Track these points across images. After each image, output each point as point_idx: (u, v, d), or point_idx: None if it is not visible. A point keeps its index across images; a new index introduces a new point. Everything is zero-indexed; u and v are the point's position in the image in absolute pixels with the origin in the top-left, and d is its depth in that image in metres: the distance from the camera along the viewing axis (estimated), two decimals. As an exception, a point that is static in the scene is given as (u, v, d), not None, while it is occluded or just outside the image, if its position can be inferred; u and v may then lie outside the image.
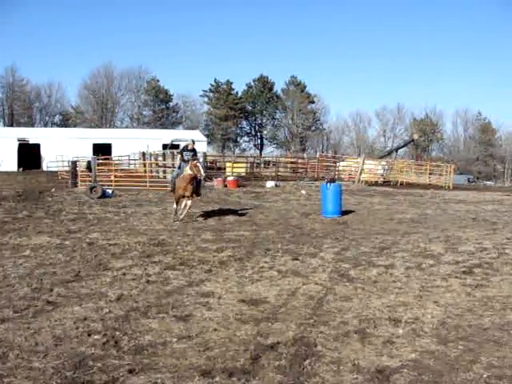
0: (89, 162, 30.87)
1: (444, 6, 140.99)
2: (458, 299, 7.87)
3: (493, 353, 5.73)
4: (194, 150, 17.23)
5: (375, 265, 10.14)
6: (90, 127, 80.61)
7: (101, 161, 36.26)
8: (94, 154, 41.39)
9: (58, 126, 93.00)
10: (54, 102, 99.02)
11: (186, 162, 16.54)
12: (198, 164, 16.26)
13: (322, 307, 7.33)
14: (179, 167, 16.99)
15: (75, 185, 29.45)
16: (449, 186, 39.42)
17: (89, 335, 6.03)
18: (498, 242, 13.01)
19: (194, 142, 17.81)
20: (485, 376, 5.15)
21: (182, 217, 16.34)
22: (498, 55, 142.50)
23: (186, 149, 17.38)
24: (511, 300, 7.83)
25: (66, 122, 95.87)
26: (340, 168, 43.68)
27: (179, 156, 17.44)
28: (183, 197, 16.47)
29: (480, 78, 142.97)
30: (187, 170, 16.13)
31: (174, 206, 16.72)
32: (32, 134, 60.62)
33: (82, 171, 32.05)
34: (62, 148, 53.01)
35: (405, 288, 8.46)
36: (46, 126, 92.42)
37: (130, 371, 5.10)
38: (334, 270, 9.68)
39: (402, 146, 68.55)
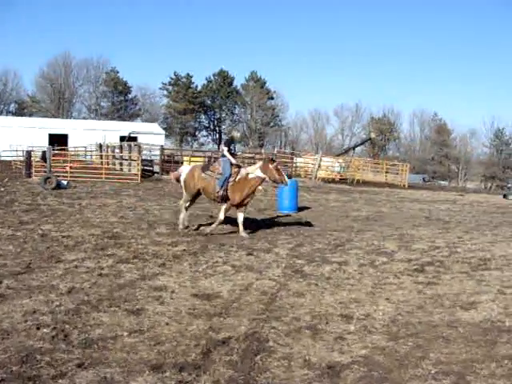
0: (44, 153, 30.33)
1: (402, 5, 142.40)
2: (409, 296, 7.97)
3: (441, 349, 5.82)
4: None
5: (329, 261, 10.20)
6: (47, 117, 79.02)
7: (56, 151, 35.68)
8: (49, 145, 40.70)
9: (13, 114, 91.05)
10: (10, 90, 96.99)
11: (233, 156, 13.50)
12: (280, 167, 13.63)
13: (274, 303, 7.34)
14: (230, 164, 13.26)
15: (29, 175, 28.91)
16: (404, 185, 39.91)
17: (37, 328, 5.91)
18: (450, 240, 13.24)
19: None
20: (433, 372, 5.22)
21: (244, 234, 12.85)
22: (455, 57, 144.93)
23: (233, 140, 14.32)
24: (461, 298, 7.97)
25: (21, 110, 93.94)
26: (297, 164, 43.84)
27: (225, 149, 13.50)
28: (241, 206, 13.29)
29: (437, 80, 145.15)
30: (256, 171, 13.17)
31: (221, 216, 13.14)
32: (-14, 123, 59.29)
33: (37, 161, 31.50)
34: (16, 137, 51.95)
35: (358, 285, 8.53)
36: (0, 114, 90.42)
37: (79, 365, 5.02)
38: (288, 265, 9.71)
39: (360, 145, 69.26)
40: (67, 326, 6.01)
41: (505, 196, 40.22)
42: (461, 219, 18.83)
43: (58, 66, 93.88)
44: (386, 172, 44.98)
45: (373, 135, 69.04)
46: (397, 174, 44.04)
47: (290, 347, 5.72)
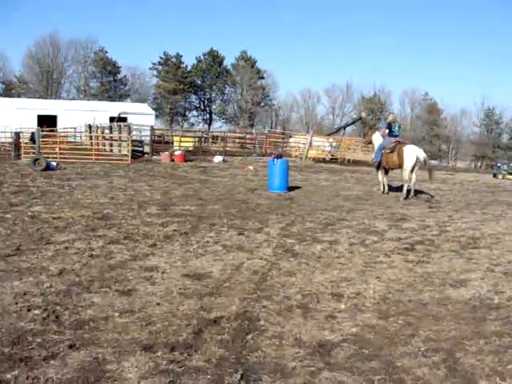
0: (32, 134, 30.15)
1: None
2: (399, 275, 8.01)
3: (431, 327, 5.87)
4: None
5: (320, 240, 10.23)
6: (35, 98, 78.29)
7: (45, 133, 35.45)
8: (38, 126, 40.39)
9: (1, 95, 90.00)
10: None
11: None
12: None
13: (265, 282, 7.36)
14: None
15: (18, 157, 28.76)
16: (394, 164, 39.88)
17: (28, 310, 5.90)
18: (440, 219, 13.30)
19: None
20: (422, 349, 5.26)
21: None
22: (445, 36, 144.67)
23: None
24: (450, 276, 8.03)
25: (9, 91, 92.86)
26: (291, 144, 43.86)
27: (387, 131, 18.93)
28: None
29: (428, 59, 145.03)
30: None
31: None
32: (-27, 104, 58.64)
33: (26, 143, 31.30)
34: (4, 118, 51.35)
35: (348, 264, 8.57)
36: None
37: (71, 346, 5.02)
38: (278, 245, 9.73)
39: (350, 124, 69.30)
40: (58, 308, 6.01)
41: (495, 175, 40.41)
42: (451, 198, 18.91)
43: (46, 46, 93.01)
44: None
45: (363, 115, 69.15)
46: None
47: (281, 326, 5.75)
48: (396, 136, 18.83)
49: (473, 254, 9.58)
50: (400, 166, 17.97)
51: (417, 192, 18.48)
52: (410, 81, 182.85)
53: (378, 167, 19.18)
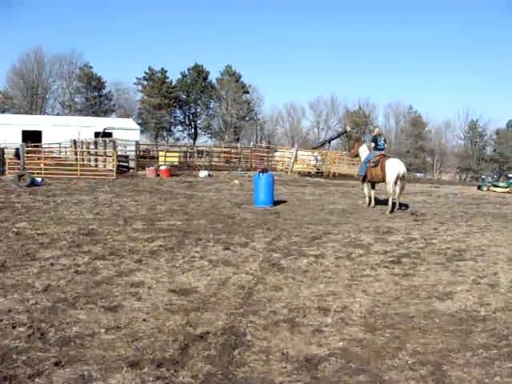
0: (17, 150, 30.01)
1: None
2: (385, 288, 8.02)
3: (418, 340, 5.88)
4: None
5: (306, 254, 10.23)
6: (20, 113, 77.95)
7: (30, 148, 35.26)
8: (23, 141, 40.21)
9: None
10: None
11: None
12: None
13: (252, 297, 7.34)
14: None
15: (3, 173, 28.57)
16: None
17: (13, 327, 5.85)
18: (425, 232, 13.35)
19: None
20: (410, 362, 5.27)
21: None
22: (429, 49, 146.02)
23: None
24: (436, 288, 8.05)
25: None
26: (276, 158, 43.93)
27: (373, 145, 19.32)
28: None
29: (412, 72, 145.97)
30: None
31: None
32: (-43, 120, 58.25)
33: (11, 159, 31.13)
34: (-12, 134, 51.10)
35: (334, 277, 8.57)
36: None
37: (56, 364, 4.98)
38: (264, 259, 9.72)
39: (335, 138, 69.45)
40: (43, 325, 5.96)
41: (479, 187, 40.64)
42: (436, 211, 18.99)
43: (30, 61, 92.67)
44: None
45: (348, 128, 69.33)
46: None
47: (267, 341, 5.74)
48: (381, 149, 19.11)
49: (458, 266, 9.61)
50: (384, 180, 18.07)
51: (402, 205, 18.58)
52: (394, 94, 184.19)
53: (364, 181, 19.32)
